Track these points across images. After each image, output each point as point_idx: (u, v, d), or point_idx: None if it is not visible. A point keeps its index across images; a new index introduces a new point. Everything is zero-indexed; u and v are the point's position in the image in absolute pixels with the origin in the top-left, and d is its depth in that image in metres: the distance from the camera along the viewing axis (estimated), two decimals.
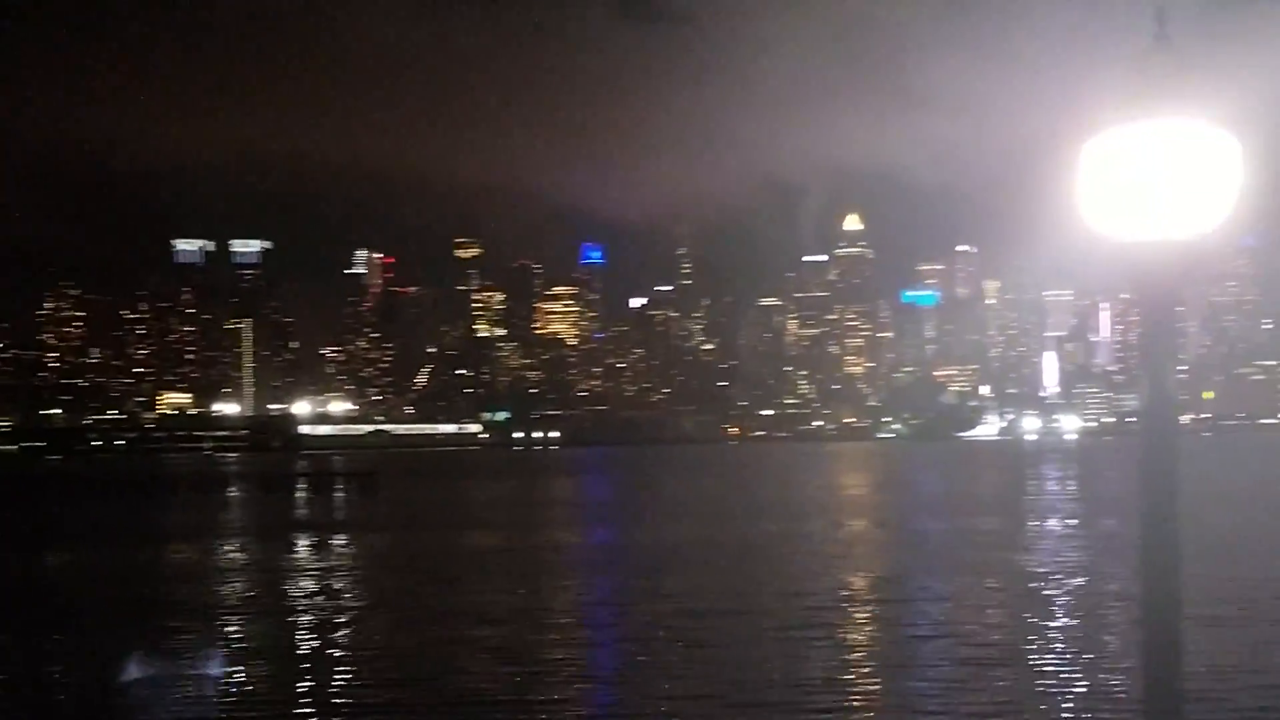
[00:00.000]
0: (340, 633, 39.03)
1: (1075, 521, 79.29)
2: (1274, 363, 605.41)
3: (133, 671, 31.54)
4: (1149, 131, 6.42)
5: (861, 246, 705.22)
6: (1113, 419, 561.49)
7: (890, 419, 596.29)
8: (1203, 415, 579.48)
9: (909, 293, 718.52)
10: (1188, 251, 6.59)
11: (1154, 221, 6.50)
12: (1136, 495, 6.81)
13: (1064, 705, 27.03)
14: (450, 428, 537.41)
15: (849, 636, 36.75)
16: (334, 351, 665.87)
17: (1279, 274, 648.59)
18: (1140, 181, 6.43)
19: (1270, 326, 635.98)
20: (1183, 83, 6.51)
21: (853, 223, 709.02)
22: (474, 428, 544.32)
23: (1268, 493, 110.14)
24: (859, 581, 49.72)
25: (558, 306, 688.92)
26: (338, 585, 51.89)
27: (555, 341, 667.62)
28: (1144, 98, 6.47)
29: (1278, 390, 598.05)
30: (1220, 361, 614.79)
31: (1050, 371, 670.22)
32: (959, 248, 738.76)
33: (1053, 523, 78.69)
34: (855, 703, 27.99)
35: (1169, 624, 6.63)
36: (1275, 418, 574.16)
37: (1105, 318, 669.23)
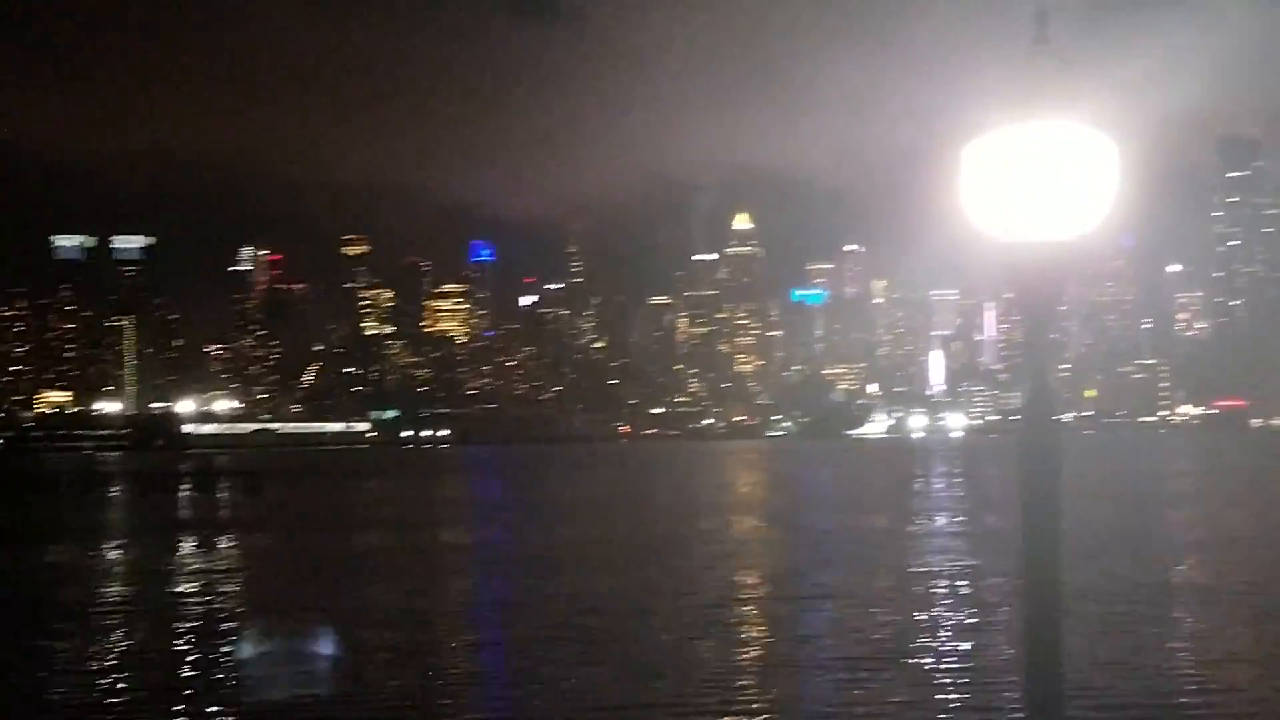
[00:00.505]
0: (224, 636, 38.26)
1: (962, 519, 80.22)
2: (1153, 361, 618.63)
3: (246, 650, 33.25)
4: (1028, 134, 6.49)
5: (751, 246, 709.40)
6: (997, 417, 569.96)
7: (780, 417, 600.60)
8: (1085, 413, 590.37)
9: (798, 292, 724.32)
10: (1067, 252, 6.66)
11: (1034, 222, 6.58)
12: (1019, 492, 6.87)
13: (952, 703, 27.19)
14: (338, 426, 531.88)
15: (741, 636, 36.76)
16: (219, 349, 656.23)
17: (1157, 274, 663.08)
18: (1020, 183, 6.51)
19: (1149, 326, 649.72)
20: (1062, 85, 6.58)
21: (742, 222, 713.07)
22: (362, 426, 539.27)
23: (1145, 489, 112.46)
24: (751, 580, 49.83)
25: (447, 304, 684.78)
26: (222, 587, 50.94)
27: (444, 340, 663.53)
28: (1024, 100, 6.55)
29: (1157, 388, 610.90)
30: (1101, 360, 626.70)
31: (936, 370, 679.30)
32: (847, 247, 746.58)
33: (940, 520, 79.50)
34: (748, 703, 27.95)
35: (1050, 620, 6.65)
36: (1154, 415, 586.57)
37: (990, 317, 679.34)
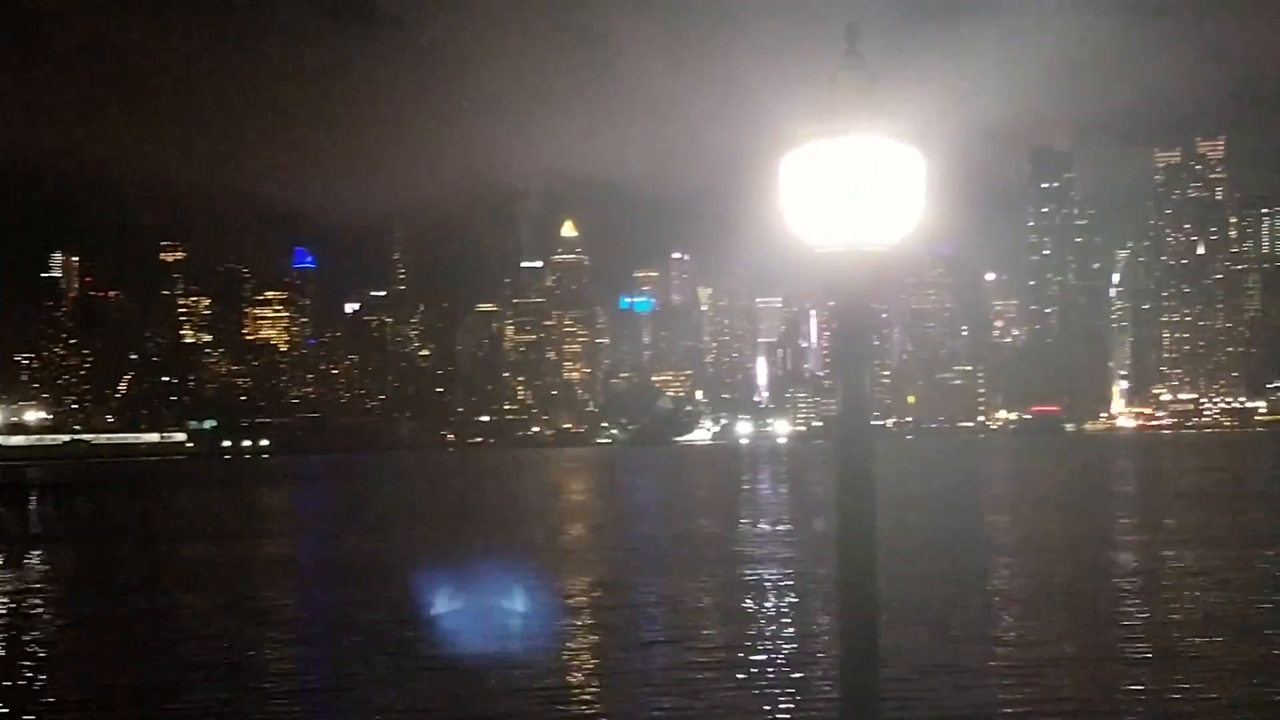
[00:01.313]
0: (38, 651, 36.73)
1: (787, 523, 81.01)
2: (970, 367, 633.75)
3: (440, 605, 35.59)
4: (840, 145, 6.71)
5: (578, 253, 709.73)
6: (821, 422, 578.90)
7: (608, 424, 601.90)
8: (906, 419, 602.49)
9: (626, 299, 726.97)
10: (879, 260, 6.86)
11: (847, 232, 6.79)
12: (835, 497, 7.06)
13: (781, 707, 27.18)
14: (153, 437, 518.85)
15: (571, 644, 36.41)
16: (28, 358, 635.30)
17: (975, 283, 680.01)
18: (834, 193, 6.73)
19: (966, 333, 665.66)
20: (872, 98, 6.78)
21: (570, 229, 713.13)
22: (179, 436, 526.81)
23: (965, 494, 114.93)
24: (580, 588, 49.51)
25: (268, 311, 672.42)
26: (33, 601, 49.03)
27: (266, 347, 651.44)
28: (835, 112, 6.74)
29: (975, 394, 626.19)
30: (921, 366, 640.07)
31: (762, 376, 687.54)
32: (674, 255, 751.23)
33: (766, 525, 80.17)
34: (580, 711, 27.61)
35: (866, 623, 6.80)
36: (973, 421, 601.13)
37: (813, 324, 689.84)
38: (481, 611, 39.86)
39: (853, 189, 6.74)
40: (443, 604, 37.25)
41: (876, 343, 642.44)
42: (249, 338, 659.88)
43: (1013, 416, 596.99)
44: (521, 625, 38.17)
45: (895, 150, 6.77)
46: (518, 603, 36.82)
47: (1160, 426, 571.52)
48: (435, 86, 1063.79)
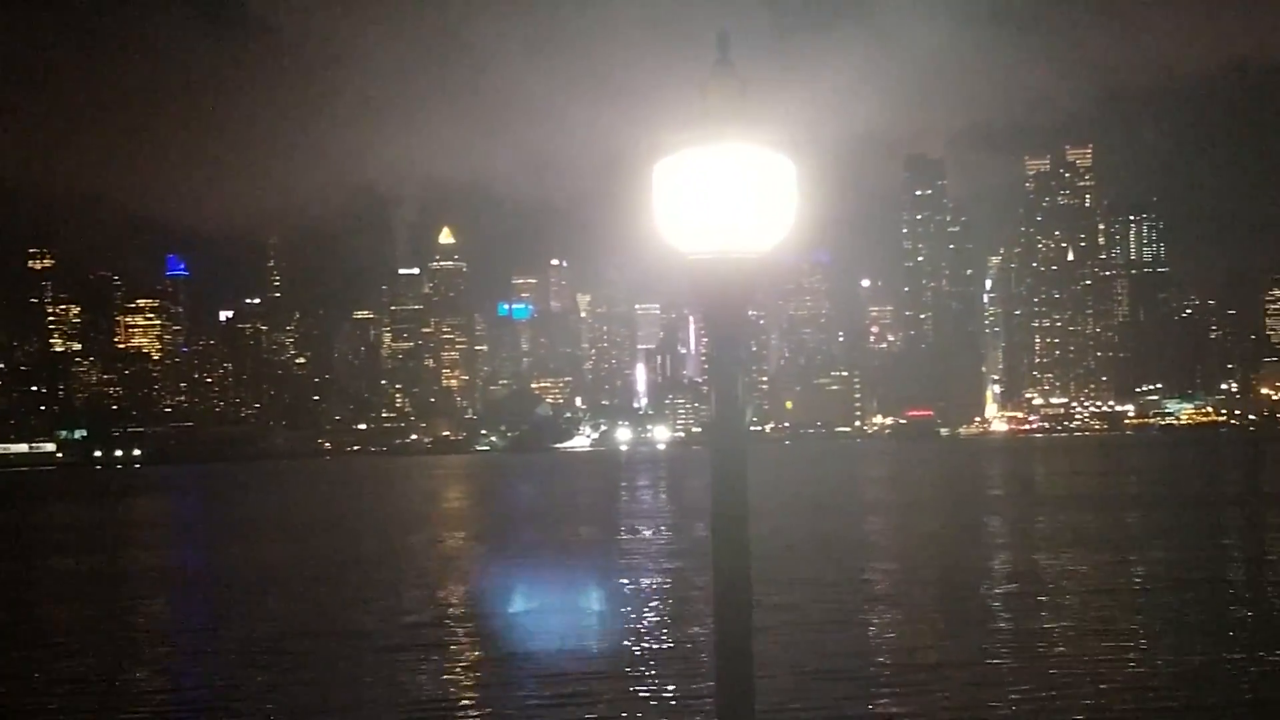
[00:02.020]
0: None
1: (667, 529, 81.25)
2: (847, 373, 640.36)
3: (520, 603, 35.77)
4: (711, 153, 6.76)
5: (455, 260, 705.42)
6: (700, 428, 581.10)
7: (487, 431, 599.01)
8: (784, 424, 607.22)
9: (504, 306, 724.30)
10: (752, 267, 6.91)
11: (720, 238, 6.83)
12: (710, 503, 7.11)
13: (661, 715, 27.27)
14: (22, 447, 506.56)
15: (451, 655, 36.19)
16: None
17: (851, 288, 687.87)
18: (705, 200, 6.76)
19: (843, 339, 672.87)
20: (742, 106, 6.82)
21: (446, 236, 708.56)
22: (49, 447, 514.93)
23: (842, 497, 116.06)
24: (460, 597, 49.26)
25: (140, 320, 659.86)
26: None
27: (138, 356, 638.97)
28: (707, 120, 6.78)
29: (852, 399, 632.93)
30: (799, 372, 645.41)
31: (641, 383, 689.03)
32: (553, 262, 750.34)
33: (646, 531, 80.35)
34: None
35: (741, 627, 6.87)
36: (850, 425, 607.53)
37: (692, 330, 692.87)
38: (556, 610, 39.52)
39: (724, 196, 6.76)
40: (520, 603, 37.39)
41: (754, 349, 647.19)
42: (120, 346, 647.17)
43: (888, 421, 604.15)
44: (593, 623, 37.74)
45: (766, 158, 6.81)
46: (593, 601, 36.91)
47: (1032, 430, 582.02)
48: (309, 93, 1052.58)
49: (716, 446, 7.07)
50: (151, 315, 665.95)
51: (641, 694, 29.63)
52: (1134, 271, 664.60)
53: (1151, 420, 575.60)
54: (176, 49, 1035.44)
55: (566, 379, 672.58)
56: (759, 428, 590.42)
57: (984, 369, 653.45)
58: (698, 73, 6.92)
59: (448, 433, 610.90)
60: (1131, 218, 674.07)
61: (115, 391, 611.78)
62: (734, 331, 7.08)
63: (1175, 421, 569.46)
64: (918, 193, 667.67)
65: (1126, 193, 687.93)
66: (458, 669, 34.06)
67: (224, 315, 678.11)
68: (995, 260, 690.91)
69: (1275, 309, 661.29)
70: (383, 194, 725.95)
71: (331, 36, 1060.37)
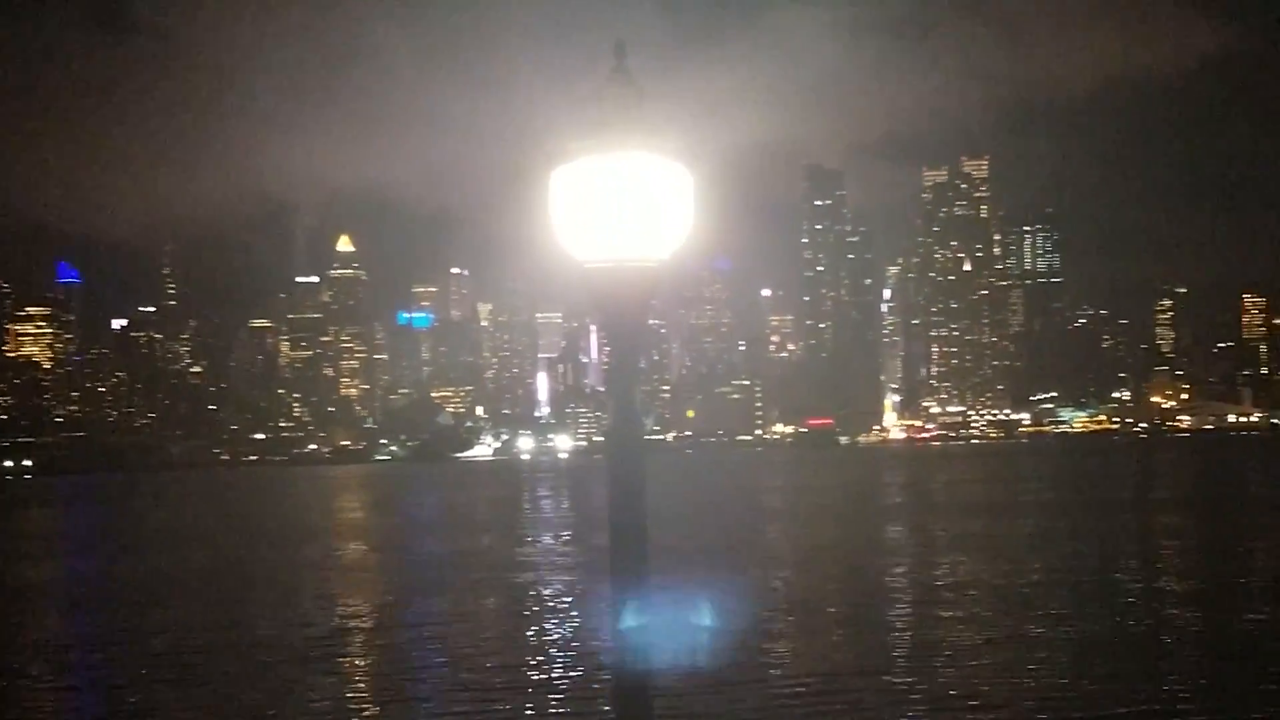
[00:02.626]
0: None
1: (569, 538, 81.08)
2: (748, 382, 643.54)
3: (629, 619, 30.62)
4: (607, 162, 6.77)
5: (354, 268, 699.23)
6: (602, 437, 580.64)
7: (387, 441, 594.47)
8: (685, 433, 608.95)
9: (404, 314, 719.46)
10: (649, 275, 6.92)
11: (616, 247, 6.84)
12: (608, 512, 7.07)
13: None
14: None
15: (351, 667, 35.83)
16: None
17: (752, 298, 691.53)
18: (602, 208, 6.77)
19: (744, 348, 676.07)
20: (639, 114, 6.84)
21: (345, 244, 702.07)
22: None
23: (744, 505, 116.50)
24: (359, 608, 48.78)
25: (30, 328, 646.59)
26: None
27: (28, 365, 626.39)
28: (604, 128, 6.78)
29: (753, 408, 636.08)
30: (700, 381, 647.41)
31: (543, 392, 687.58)
32: (453, 270, 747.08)
33: (548, 540, 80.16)
34: None
35: (638, 634, 6.96)
36: (751, 434, 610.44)
37: (594, 339, 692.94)
38: (668, 626, 38.87)
39: (621, 204, 6.78)
40: (630, 618, 36.26)
41: (656, 357, 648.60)
42: (10, 355, 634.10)
43: (789, 430, 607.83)
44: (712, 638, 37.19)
45: (662, 166, 6.85)
46: (706, 617, 36.47)
47: (930, 438, 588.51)
48: (202, 99, 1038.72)
49: (614, 455, 7.07)
50: (42, 324, 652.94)
51: (542, 704, 29.51)
52: (1029, 282, 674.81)
53: (1046, 428, 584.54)
54: (65, 52, 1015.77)
55: (467, 388, 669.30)
56: (661, 436, 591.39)
57: (883, 378, 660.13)
58: (595, 80, 6.92)
59: (347, 442, 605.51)
60: (1026, 228, 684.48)
61: (4, 401, 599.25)
62: (632, 340, 7.09)
63: (1069, 429, 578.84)
64: (817, 202, 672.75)
65: (1021, 204, 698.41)
66: (357, 682, 33.72)
67: (117, 323, 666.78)
68: (894, 270, 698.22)
69: (1165, 319, 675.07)
70: (280, 201, 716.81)
71: (226, 41, 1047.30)
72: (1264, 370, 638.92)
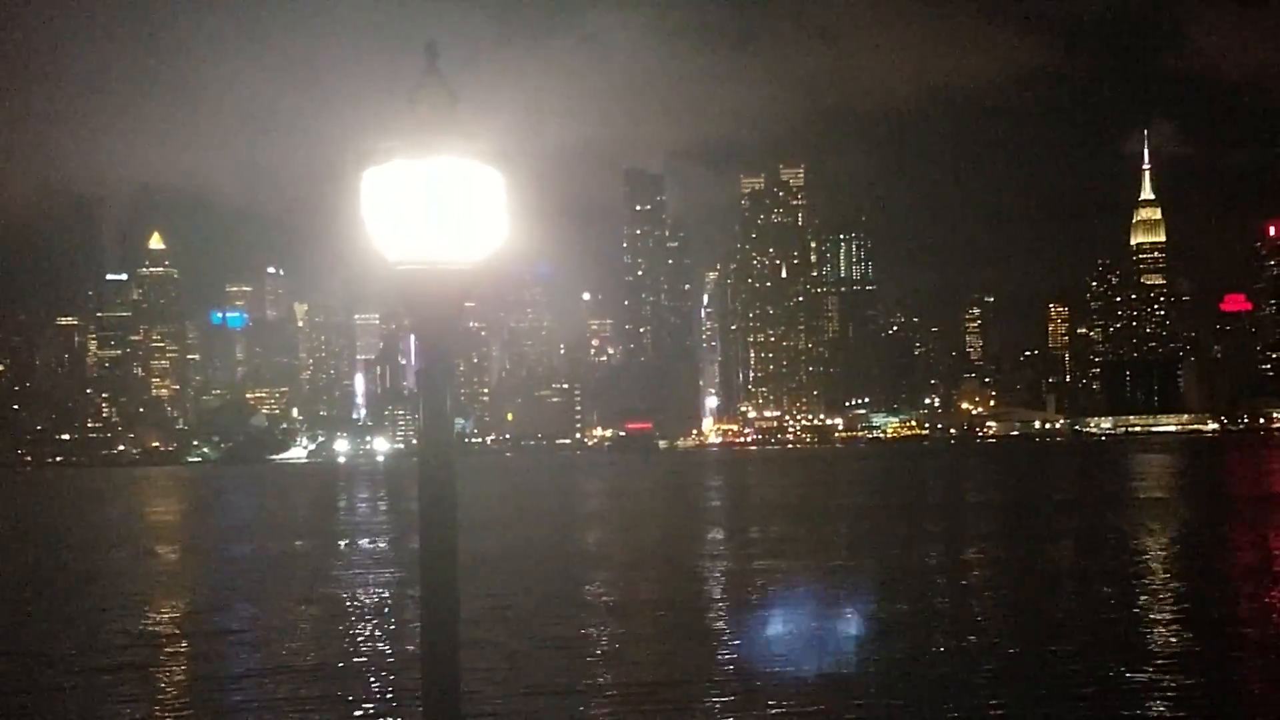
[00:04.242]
0: None
1: (386, 542, 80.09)
2: (567, 385, 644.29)
3: (780, 626, 36.14)
4: (418, 164, 6.71)
5: (166, 266, 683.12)
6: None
7: (199, 442, 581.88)
8: (505, 436, 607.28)
9: (217, 314, 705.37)
10: (461, 278, 6.88)
11: (428, 249, 6.79)
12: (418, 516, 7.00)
13: None
14: None
15: (162, 676, 34.75)
16: None
17: (572, 301, 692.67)
18: (413, 211, 6.72)
19: (564, 351, 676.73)
20: (451, 117, 6.80)
21: (157, 241, 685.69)
22: None
23: (561, 509, 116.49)
24: (171, 615, 47.47)
25: None
26: None
27: None
28: (415, 130, 6.73)
29: (573, 411, 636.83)
30: (519, 384, 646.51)
31: (360, 394, 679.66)
32: (269, 269, 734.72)
33: (365, 543, 79.10)
34: None
35: (447, 636, 6.81)
36: (570, 438, 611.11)
37: (412, 341, 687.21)
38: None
39: (432, 207, 6.73)
40: (778, 625, 36.11)
41: (475, 360, 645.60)
42: None
43: (608, 433, 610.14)
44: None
45: (474, 170, 6.80)
46: (852, 625, 35.83)
47: (747, 443, 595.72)
48: (2, 90, 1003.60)
49: (425, 458, 6.97)
50: None
51: (356, 711, 28.99)
52: (844, 289, 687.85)
53: (859, 433, 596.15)
54: None
55: (283, 389, 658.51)
56: (479, 439, 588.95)
57: (701, 382, 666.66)
58: (408, 81, 6.86)
59: (157, 443, 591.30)
60: (841, 236, 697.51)
61: None
62: (444, 343, 7.02)
63: (882, 435, 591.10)
64: (637, 207, 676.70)
65: (837, 212, 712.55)
66: (168, 692, 32.70)
67: None
68: (712, 276, 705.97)
69: (974, 328, 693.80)
70: (88, 196, 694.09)
71: (29, 35, 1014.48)
72: (1067, 378, 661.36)
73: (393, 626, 42.25)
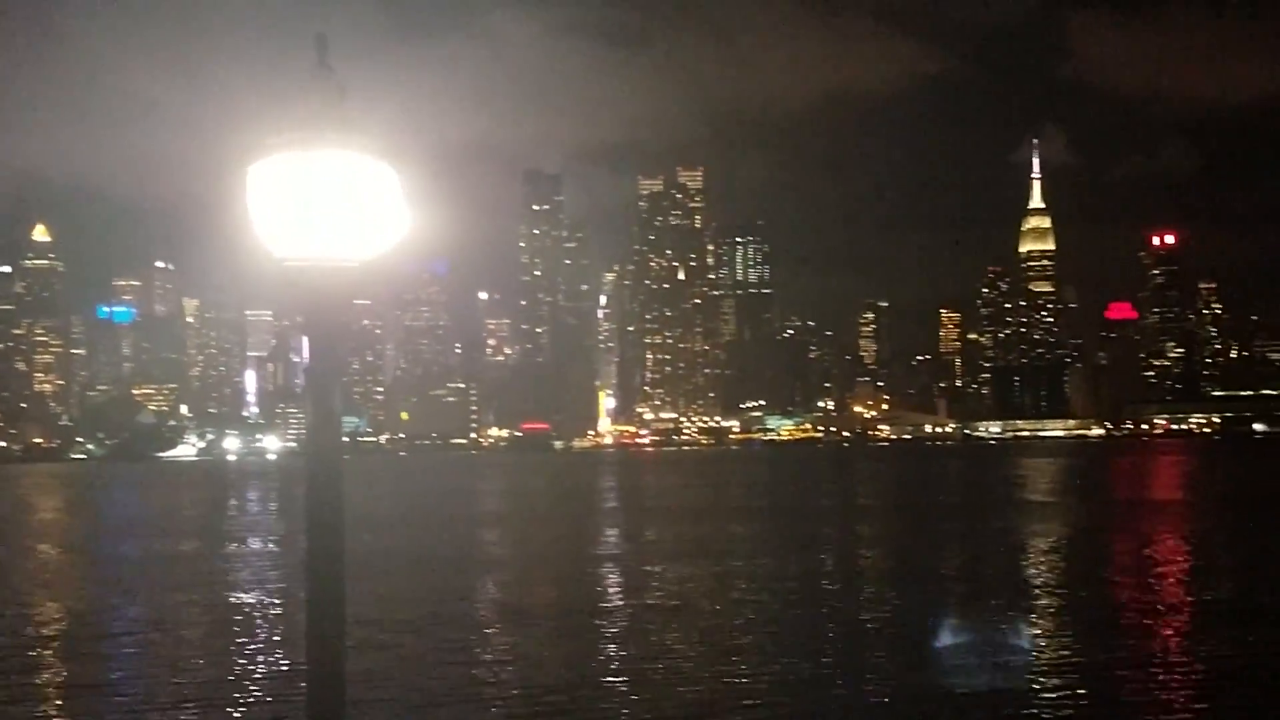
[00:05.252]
0: None
1: (276, 541, 78.86)
2: (464, 385, 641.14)
3: (945, 638, 35.30)
4: (306, 158, 6.57)
5: (51, 259, 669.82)
6: None
7: (84, 439, 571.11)
8: (399, 435, 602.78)
9: (104, 308, 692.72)
10: (350, 276, 6.77)
11: (317, 246, 6.65)
12: (304, 515, 6.90)
13: None
14: None
15: (44, 680, 33.68)
16: None
17: (469, 301, 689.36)
18: (301, 206, 6.57)
19: (460, 351, 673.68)
20: (341, 111, 6.68)
21: (41, 233, 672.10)
22: None
23: (457, 509, 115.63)
24: (53, 615, 46.18)
25: None
26: None
27: None
28: (305, 123, 6.60)
29: (469, 411, 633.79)
30: (415, 383, 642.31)
31: (252, 391, 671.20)
32: (157, 263, 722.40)
33: (255, 543, 77.84)
34: None
35: (333, 639, 6.71)
36: (466, 437, 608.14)
37: (305, 338, 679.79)
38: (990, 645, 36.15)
39: (321, 202, 6.59)
40: (947, 637, 35.38)
41: (371, 358, 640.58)
42: None
43: (504, 434, 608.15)
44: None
45: (365, 164, 6.67)
46: (1022, 637, 35.07)
47: (643, 444, 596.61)
48: None
49: (312, 457, 6.86)
50: None
51: (244, 715, 28.28)
52: (740, 292, 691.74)
53: (754, 435, 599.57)
54: None
55: (171, 386, 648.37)
56: (373, 438, 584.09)
57: (598, 383, 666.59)
58: (299, 74, 6.77)
59: (40, 440, 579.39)
60: (738, 240, 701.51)
61: None
62: (332, 341, 6.92)
63: (777, 437, 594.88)
64: (535, 207, 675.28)
65: (734, 215, 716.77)
66: (50, 696, 31.68)
67: None
68: (610, 277, 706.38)
69: (868, 332, 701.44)
70: None
71: None
72: (958, 382, 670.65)
73: (281, 629, 41.38)
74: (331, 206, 6.61)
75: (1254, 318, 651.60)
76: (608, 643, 37.97)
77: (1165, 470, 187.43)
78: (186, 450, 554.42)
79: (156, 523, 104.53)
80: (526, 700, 29.82)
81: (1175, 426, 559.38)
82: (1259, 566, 55.83)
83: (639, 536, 78.94)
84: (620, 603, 48.12)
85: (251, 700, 30.23)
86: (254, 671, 33.84)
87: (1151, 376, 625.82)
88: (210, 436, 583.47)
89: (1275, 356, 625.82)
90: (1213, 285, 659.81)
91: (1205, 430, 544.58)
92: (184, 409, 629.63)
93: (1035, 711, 27.84)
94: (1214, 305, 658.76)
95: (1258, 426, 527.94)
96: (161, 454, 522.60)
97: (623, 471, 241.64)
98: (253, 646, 37.95)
